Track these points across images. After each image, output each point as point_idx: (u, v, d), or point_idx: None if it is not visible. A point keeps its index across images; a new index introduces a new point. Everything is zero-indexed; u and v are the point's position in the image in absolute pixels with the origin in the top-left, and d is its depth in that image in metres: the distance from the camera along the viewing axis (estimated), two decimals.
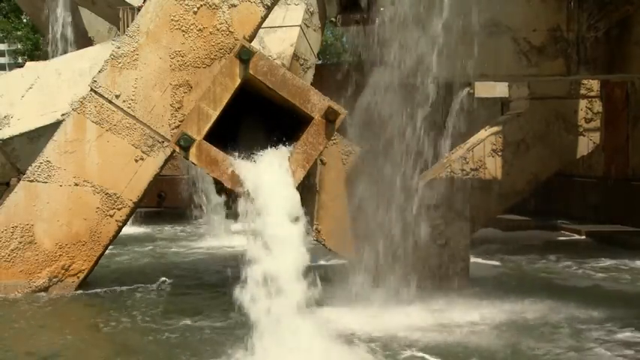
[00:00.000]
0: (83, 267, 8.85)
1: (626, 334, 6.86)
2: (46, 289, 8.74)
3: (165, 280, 9.21)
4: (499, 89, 15.08)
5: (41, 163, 8.84)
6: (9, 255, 8.71)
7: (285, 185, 6.95)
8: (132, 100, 8.80)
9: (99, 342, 6.93)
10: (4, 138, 12.78)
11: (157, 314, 7.80)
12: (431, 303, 7.89)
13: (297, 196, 6.80)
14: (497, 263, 11.02)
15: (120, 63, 8.81)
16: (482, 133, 13.37)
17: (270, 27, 15.02)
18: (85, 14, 19.65)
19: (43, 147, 8.99)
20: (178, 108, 8.76)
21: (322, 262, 9.77)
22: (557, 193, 16.20)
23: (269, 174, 6.94)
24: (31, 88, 13.21)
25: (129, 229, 13.13)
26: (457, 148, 13.58)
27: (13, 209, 8.83)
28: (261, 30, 10.26)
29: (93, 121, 8.82)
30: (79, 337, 7.12)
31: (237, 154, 7.41)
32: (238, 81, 7.75)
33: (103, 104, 8.82)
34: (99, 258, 8.98)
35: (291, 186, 7.01)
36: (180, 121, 8.59)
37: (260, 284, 6.22)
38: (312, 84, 12.02)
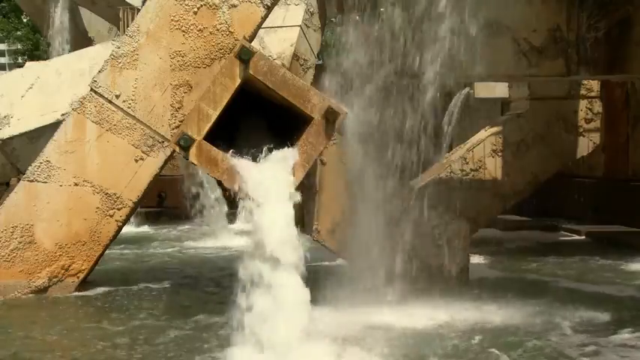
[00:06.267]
0: (83, 267, 8.85)
1: (614, 338, 6.77)
2: (45, 289, 8.73)
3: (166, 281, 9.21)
4: (499, 89, 15.09)
5: (41, 163, 8.84)
6: (9, 255, 8.70)
7: (284, 190, 6.81)
8: (132, 100, 8.80)
9: (98, 342, 6.92)
10: (4, 138, 12.80)
11: (157, 314, 7.79)
12: (428, 304, 7.88)
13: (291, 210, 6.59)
14: (496, 264, 11.00)
15: (120, 63, 8.81)
16: (483, 134, 13.37)
17: (271, 27, 15.05)
18: (85, 14, 19.70)
19: (43, 147, 8.99)
20: (178, 108, 8.76)
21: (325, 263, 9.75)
22: (557, 194, 16.19)
23: (268, 175, 6.92)
24: (31, 88, 13.23)
25: (128, 230, 13.13)
26: (457, 149, 13.59)
27: (13, 209, 8.82)
28: (261, 30, 10.26)
29: (93, 121, 8.82)
30: (77, 338, 7.11)
31: (237, 154, 7.39)
32: (238, 81, 7.73)
33: (103, 104, 8.82)
34: (99, 258, 8.98)
35: (290, 194, 6.83)
36: (180, 121, 8.59)
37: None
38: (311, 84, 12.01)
